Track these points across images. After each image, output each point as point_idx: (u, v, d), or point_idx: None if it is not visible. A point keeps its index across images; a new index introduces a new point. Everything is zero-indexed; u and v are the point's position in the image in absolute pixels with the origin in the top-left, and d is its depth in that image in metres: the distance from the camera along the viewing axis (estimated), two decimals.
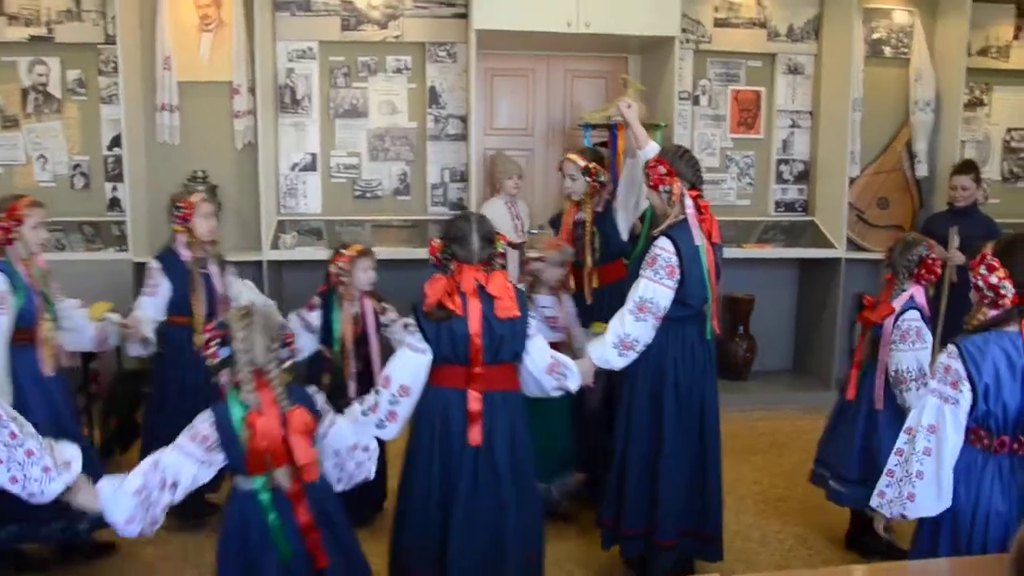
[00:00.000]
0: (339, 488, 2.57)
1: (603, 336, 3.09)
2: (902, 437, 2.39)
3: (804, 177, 6.15)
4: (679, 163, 3.15)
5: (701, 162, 5.78)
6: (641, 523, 3.20)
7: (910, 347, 3.30)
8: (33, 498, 2.21)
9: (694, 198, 3.13)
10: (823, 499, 3.66)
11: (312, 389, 2.53)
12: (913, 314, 3.34)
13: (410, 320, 2.77)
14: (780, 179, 6.14)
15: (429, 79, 5.67)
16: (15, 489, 2.19)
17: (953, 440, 2.28)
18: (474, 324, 2.69)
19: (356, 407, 2.76)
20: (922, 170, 6.01)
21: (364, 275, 3.71)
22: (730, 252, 5.22)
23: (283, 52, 5.55)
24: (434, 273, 2.79)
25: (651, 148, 3.61)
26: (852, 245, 5.89)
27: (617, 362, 3.08)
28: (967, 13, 5.68)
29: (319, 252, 5.24)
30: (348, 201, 5.69)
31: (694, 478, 3.20)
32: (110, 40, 5.32)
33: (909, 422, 2.39)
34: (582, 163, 4.04)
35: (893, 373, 3.33)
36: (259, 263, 5.23)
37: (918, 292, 3.40)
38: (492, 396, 2.74)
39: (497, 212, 5.29)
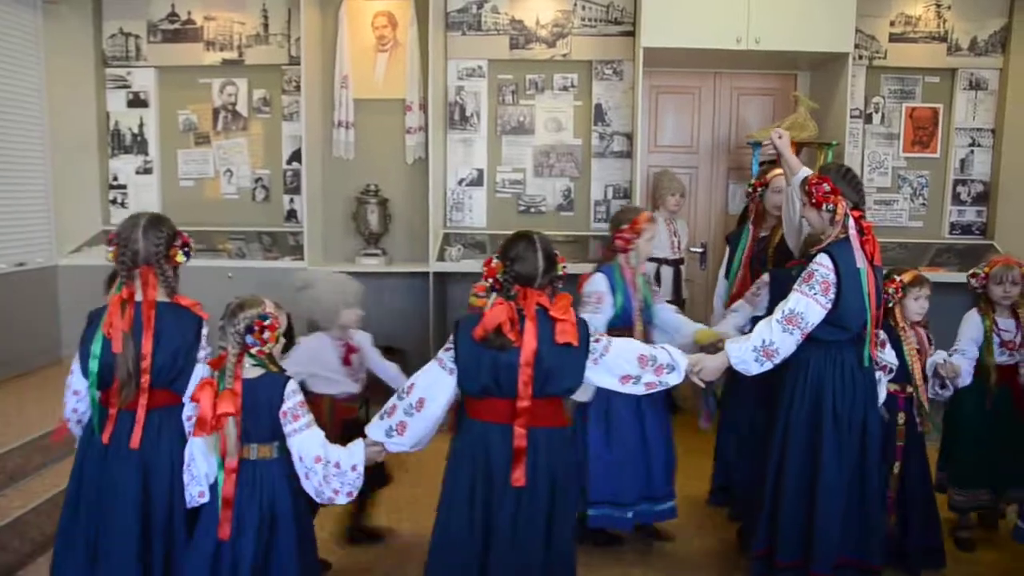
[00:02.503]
0: (317, 499, 2.66)
1: (745, 337, 3.03)
2: None
3: (983, 198, 5.84)
4: (841, 182, 3.06)
5: (872, 182, 5.76)
6: (797, 554, 3.08)
7: None
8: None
9: (856, 218, 3.04)
10: None
11: (294, 385, 2.61)
12: None
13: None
14: (957, 200, 5.86)
15: (595, 96, 5.74)
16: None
17: None
18: (527, 352, 2.54)
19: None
20: None
21: None
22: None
23: (453, 70, 5.74)
24: (495, 296, 2.67)
25: (803, 174, 3.41)
26: None
27: (754, 367, 2.97)
28: None
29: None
30: (512, 216, 5.80)
31: (852, 508, 3.07)
32: (294, 61, 5.66)
33: None
34: (778, 171, 3.86)
35: None
36: (426, 274, 5.41)
37: None
38: (536, 432, 2.59)
39: (656, 229, 5.28)
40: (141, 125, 5.89)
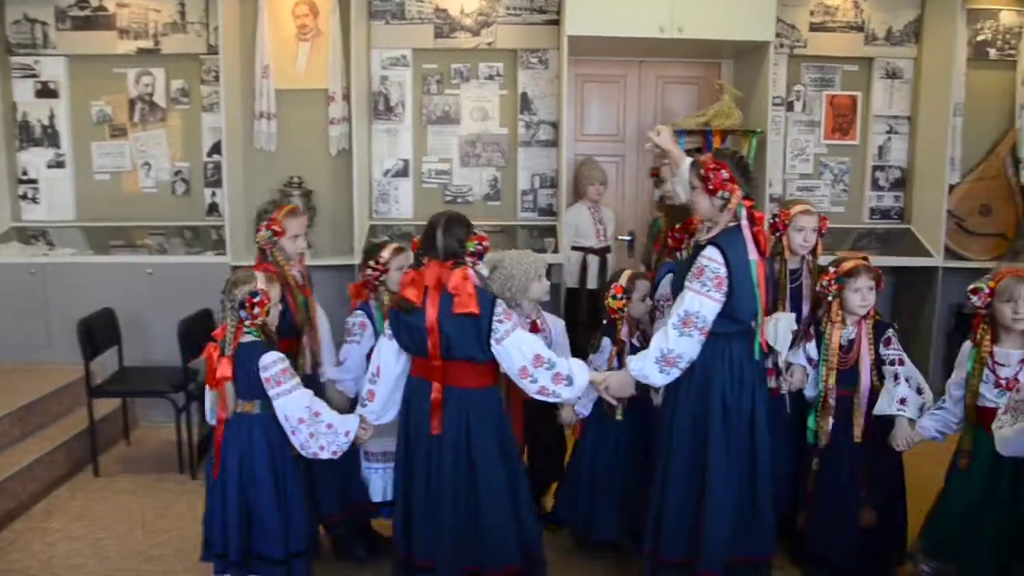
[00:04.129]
0: (302, 452, 2.99)
1: (645, 350, 2.96)
2: None
3: (901, 184, 5.99)
4: (736, 171, 2.96)
5: (794, 169, 5.85)
6: (683, 552, 2.99)
7: None
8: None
9: (748, 208, 2.95)
10: None
11: (275, 356, 2.95)
12: None
13: None
14: (876, 186, 5.99)
15: (521, 85, 5.70)
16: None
17: None
18: (428, 318, 2.82)
19: None
20: None
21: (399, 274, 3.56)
22: (823, 260, 5.13)
23: (377, 60, 5.65)
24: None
25: (686, 166, 3.31)
26: (950, 254, 5.71)
27: (657, 378, 2.92)
28: None
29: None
30: (439, 206, 5.72)
31: (743, 504, 2.97)
32: (212, 50, 5.50)
33: None
34: (665, 161, 3.84)
35: None
36: (352, 267, 5.32)
37: None
38: (451, 390, 2.88)
39: (580, 218, 5.31)
40: (51, 117, 5.65)
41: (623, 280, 3.54)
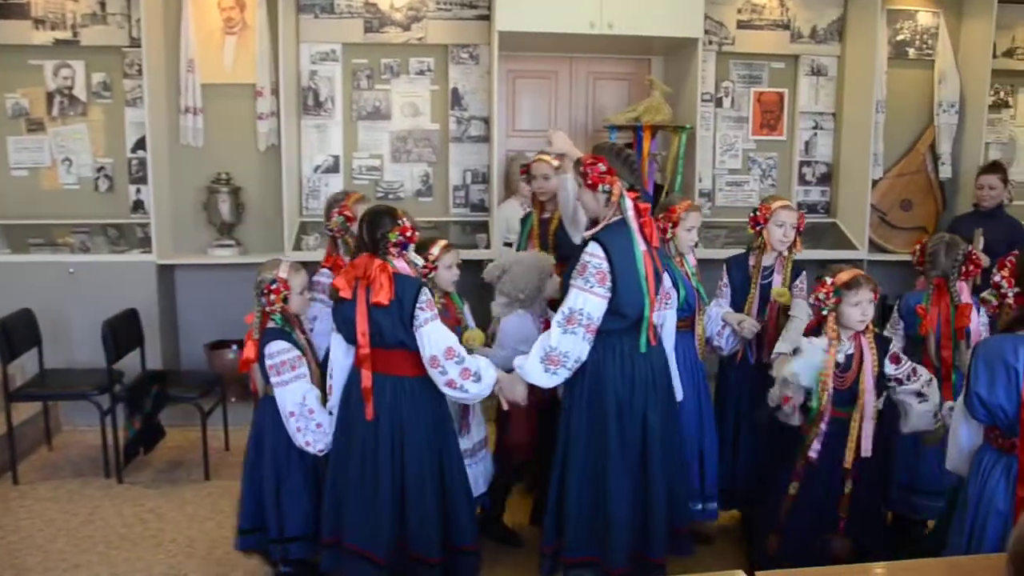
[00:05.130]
0: (294, 442, 3.14)
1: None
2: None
3: (827, 179, 6.13)
4: (617, 162, 2.91)
5: (724, 164, 5.94)
6: (586, 550, 2.95)
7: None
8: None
9: (633, 199, 2.91)
10: None
11: (281, 346, 3.11)
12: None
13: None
14: (803, 181, 6.12)
15: (452, 81, 5.67)
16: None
17: (964, 425, 2.38)
18: (360, 308, 2.88)
19: None
20: (946, 172, 5.98)
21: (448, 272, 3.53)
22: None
23: (306, 54, 5.56)
24: None
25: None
26: (874, 247, 5.86)
27: (543, 379, 2.87)
28: (992, 14, 5.64)
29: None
30: (370, 202, 5.67)
31: (638, 499, 2.94)
32: (135, 43, 5.34)
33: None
34: (556, 163, 3.83)
35: None
36: None
37: (965, 289, 3.37)
38: (384, 378, 2.93)
39: (512, 214, 5.30)
40: None
41: None
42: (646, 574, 2.97)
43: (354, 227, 3.46)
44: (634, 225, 2.88)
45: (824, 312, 3.03)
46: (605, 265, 2.81)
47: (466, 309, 3.61)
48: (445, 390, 2.93)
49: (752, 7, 5.87)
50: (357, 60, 5.62)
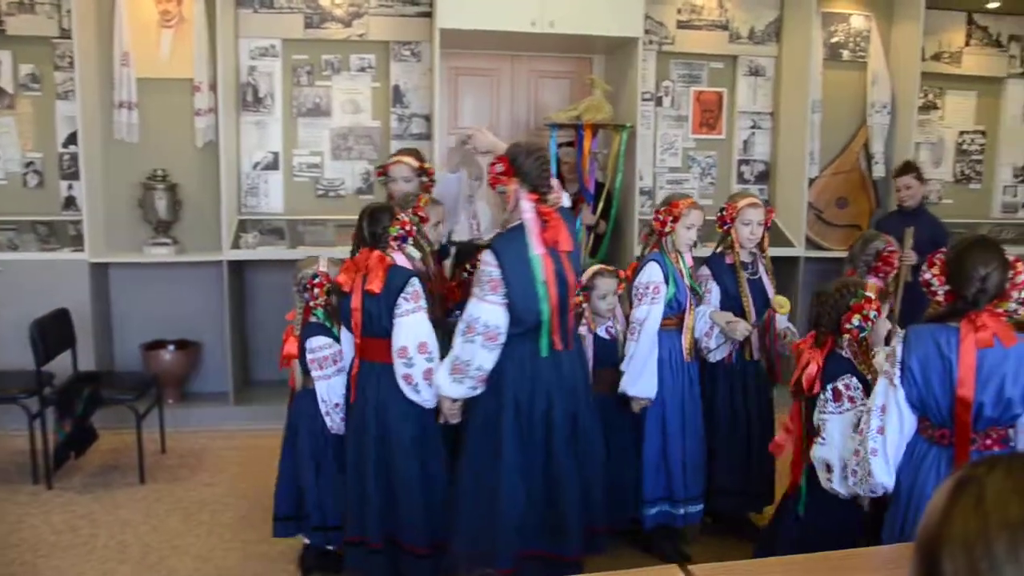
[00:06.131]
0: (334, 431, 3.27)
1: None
2: (863, 416, 2.46)
3: (765, 177, 6.23)
4: (523, 161, 2.85)
5: (664, 163, 5.99)
6: (475, 545, 2.95)
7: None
8: None
9: (535, 202, 2.85)
10: None
11: (323, 340, 3.21)
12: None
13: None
14: (741, 179, 6.21)
15: (393, 78, 5.64)
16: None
17: (897, 419, 2.35)
18: (356, 298, 2.98)
19: None
20: (879, 171, 6.12)
21: None
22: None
23: (245, 49, 5.48)
24: None
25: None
26: (811, 244, 5.98)
27: (450, 388, 2.89)
28: (921, 19, 5.79)
29: (280, 252, 5.20)
30: (311, 200, 5.63)
31: (536, 501, 2.92)
32: (65, 34, 5.19)
33: (868, 403, 2.46)
34: (416, 164, 3.81)
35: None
36: (219, 263, 5.16)
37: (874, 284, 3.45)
38: (371, 365, 3.04)
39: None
40: None
41: (584, 277, 3.51)
42: (559, 572, 2.93)
43: (426, 227, 3.46)
44: (532, 228, 2.82)
45: (863, 336, 2.78)
46: (497, 272, 2.80)
47: None
48: (401, 382, 2.96)
49: (691, 8, 5.94)
50: (297, 56, 5.55)
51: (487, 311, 2.82)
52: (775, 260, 5.81)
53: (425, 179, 3.81)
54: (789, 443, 2.96)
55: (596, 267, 3.64)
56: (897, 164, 5.51)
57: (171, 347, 5.39)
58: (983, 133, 6.59)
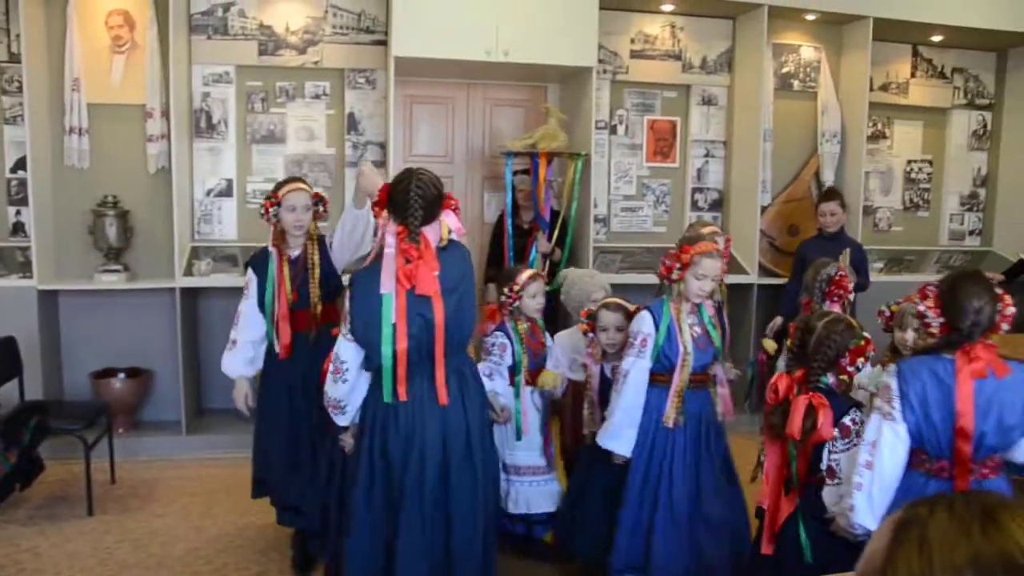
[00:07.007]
0: None
1: None
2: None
3: (719, 205, 6.31)
4: (393, 191, 2.65)
5: (619, 190, 6.05)
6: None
7: None
8: None
9: (400, 237, 2.62)
10: None
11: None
12: None
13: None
14: (695, 207, 6.28)
15: (348, 105, 5.64)
16: None
17: (890, 456, 2.35)
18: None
19: None
20: None
21: (532, 301, 3.60)
22: (644, 278, 5.34)
23: (199, 76, 5.45)
24: None
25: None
26: (764, 271, 6.06)
27: (339, 419, 2.86)
28: (868, 51, 5.94)
29: (234, 279, 5.15)
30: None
31: (379, 550, 2.73)
32: (14, 59, 5.13)
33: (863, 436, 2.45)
34: (311, 192, 3.63)
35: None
36: (172, 290, 5.11)
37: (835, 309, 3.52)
38: None
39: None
40: None
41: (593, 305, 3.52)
42: None
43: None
44: (386, 265, 2.62)
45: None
46: (347, 305, 2.71)
47: (547, 337, 3.76)
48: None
49: (645, 38, 6.03)
50: (251, 83, 5.53)
51: (343, 347, 2.72)
52: (729, 287, 5.95)
53: (320, 208, 3.62)
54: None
55: (606, 299, 3.53)
56: (856, 190, 5.67)
57: (122, 375, 5.31)
58: (930, 162, 6.76)
